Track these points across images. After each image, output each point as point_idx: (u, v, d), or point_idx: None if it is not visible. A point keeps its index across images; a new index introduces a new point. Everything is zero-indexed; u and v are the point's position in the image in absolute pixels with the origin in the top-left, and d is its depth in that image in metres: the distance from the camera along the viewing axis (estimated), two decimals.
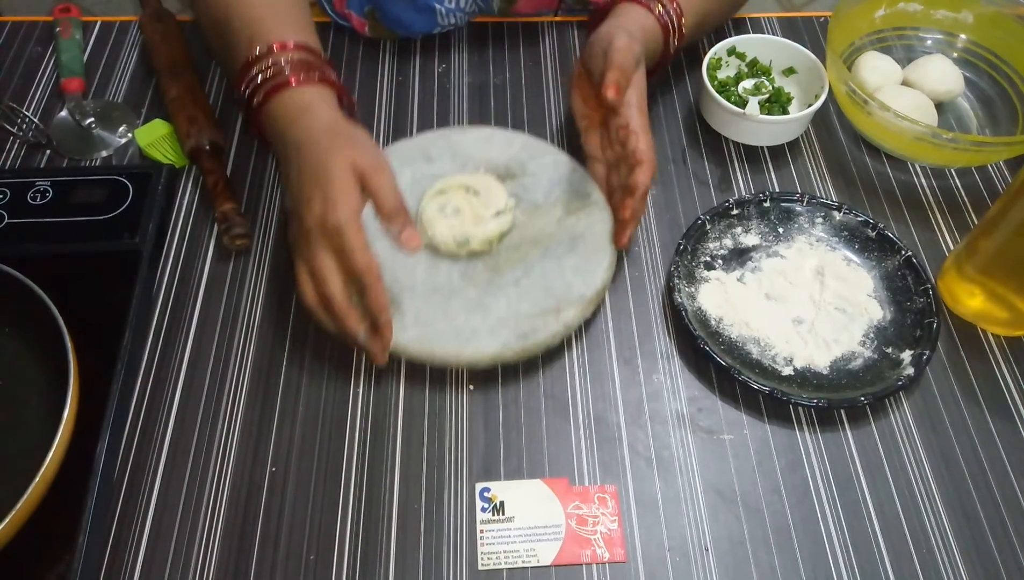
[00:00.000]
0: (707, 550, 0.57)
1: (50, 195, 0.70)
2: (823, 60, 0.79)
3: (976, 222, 0.73)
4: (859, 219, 0.71)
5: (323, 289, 0.57)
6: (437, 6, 0.82)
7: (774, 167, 0.78)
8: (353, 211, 0.57)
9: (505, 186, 0.70)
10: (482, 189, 0.68)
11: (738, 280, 0.69)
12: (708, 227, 0.71)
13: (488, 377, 0.64)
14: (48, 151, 0.77)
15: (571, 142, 0.77)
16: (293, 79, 0.63)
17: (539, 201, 0.70)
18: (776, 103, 0.78)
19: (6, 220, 0.68)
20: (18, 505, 0.50)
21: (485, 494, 0.58)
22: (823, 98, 0.76)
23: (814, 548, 0.57)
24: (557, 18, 0.91)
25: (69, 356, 0.56)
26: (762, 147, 0.79)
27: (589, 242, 0.67)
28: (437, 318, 0.63)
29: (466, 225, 0.66)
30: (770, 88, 0.79)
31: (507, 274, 0.66)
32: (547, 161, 0.72)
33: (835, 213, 0.71)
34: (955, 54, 0.85)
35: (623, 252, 0.71)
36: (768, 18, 0.91)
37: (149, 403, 0.62)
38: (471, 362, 0.62)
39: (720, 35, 0.85)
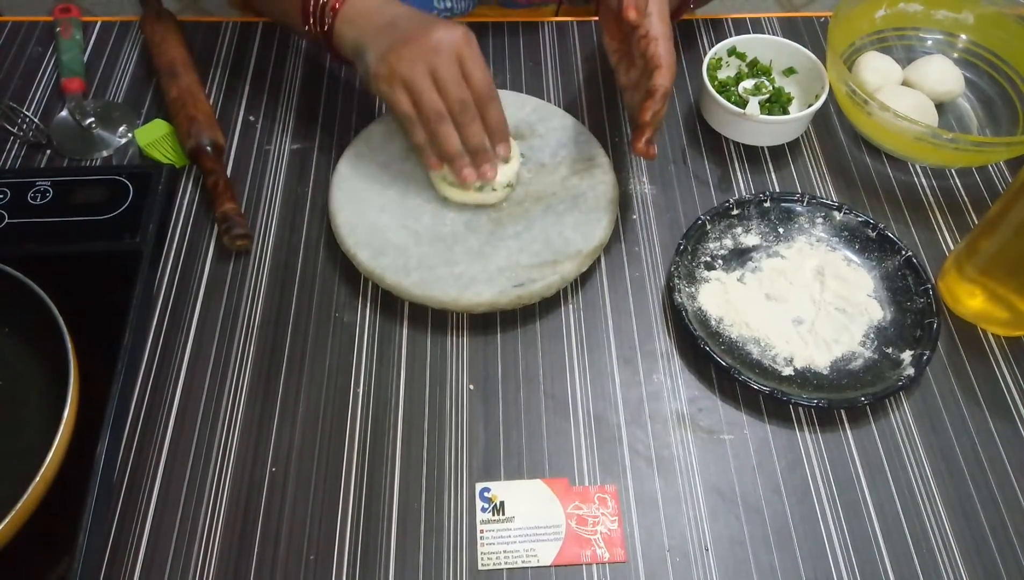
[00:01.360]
0: (707, 550, 0.57)
1: (50, 195, 0.70)
2: (823, 60, 0.79)
3: (976, 222, 0.73)
4: (859, 219, 0.71)
5: (427, 97, 0.62)
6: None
7: (774, 167, 0.78)
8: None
9: (514, 145, 0.72)
10: None
11: (738, 280, 0.69)
12: (708, 227, 0.71)
13: (489, 376, 0.64)
14: (48, 151, 0.77)
15: None
16: None
17: (545, 161, 0.73)
18: (776, 103, 0.78)
19: (6, 220, 0.68)
20: (18, 505, 0.50)
21: (485, 494, 0.58)
22: (823, 98, 0.76)
23: (814, 548, 0.57)
24: (558, 17, 0.91)
25: (69, 356, 0.56)
26: (762, 147, 0.79)
27: (590, 201, 0.70)
28: (439, 263, 0.65)
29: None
30: (770, 88, 0.79)
31: (509, 227, 0.69)
32: (555, 124, 0.76)
33: (835, 213, 0.71)
34: (955, 54, 0.85)
35: (620, 233, 0.71)
36: (768, 18, 0.91)
37: (149, 403, 0.62)
38: (468, 306, 0.64)
39: (720, 35, 0.85)
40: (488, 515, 0.57)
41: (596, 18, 0.90)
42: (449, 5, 0.85)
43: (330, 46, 0.70)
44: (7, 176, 0.73)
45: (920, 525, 0.58)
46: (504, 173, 0.69)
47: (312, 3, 0.69)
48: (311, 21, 0.69)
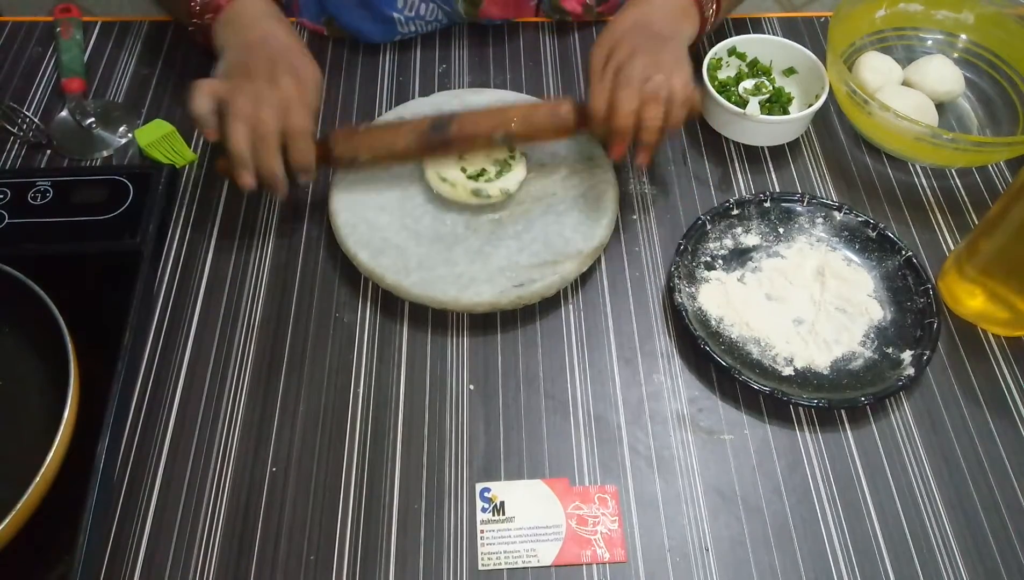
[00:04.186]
0: (707, 550, 0.57)
1: (50, 195, 0.70)
2: (823, 60, 0.79)
3: (976, 222, 0.73)
4: (859, 219, 0.71)
5: (262, 129, 0.62)
6: (396, 15, 0.82)
7: (774, 167, 0.78)
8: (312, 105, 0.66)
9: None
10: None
11: (738, 280, 0.69)
12: (708, 227, 0.71)
13: (489, 376, 0.64)
14: (48, 151, 0.77)
15: None
16: None
17: (545, 160, 0.73)
18: (776, 103, 0.78)
19: (6, 220, 0.68)
20: (18, 505, 0.50)
21: (485, 494, 0.58)
22: (823, 98, 0.76)
23: (814, 548, 0.57)
24: (538, 18, 0.90)
25: (69, 356, 0.56)
26: (762, 147, 0.79)
27: (590, 201, 0.70)
28: (439, 264, 0.66)
29: (482, 180, 0.68)
30: (770, 88, 0.79)
31: (509, 227, 0.69)
32: None
33: (835, 213, 0.71)
34: (956, 54, 0.85)
35: (620, 233, 0.72)
36: (768, 18, 0.91)
37: (149, 403, 0.62)
38: (469, 306, 0.64)
39: (720, 35, 0.85)
40: (488, 515, 0.57)
41: (603, 20, 0.90)
42: (414, 29, 0.85)
43: (205, 38, 0.73)
44: (7, 176, 0.73)
45: (920, 525, 0.58)
46: (505, 181, 0.69)
47: (195, 2, 0.71)
48: (196, 12, 0.71)
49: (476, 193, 0.68)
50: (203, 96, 0.64)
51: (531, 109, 0.67)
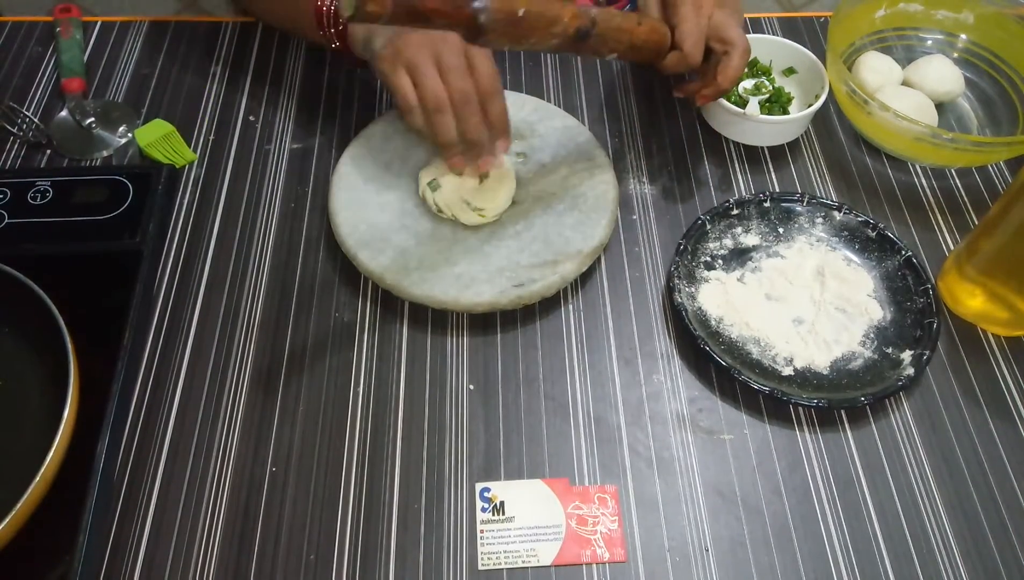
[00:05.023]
0: (707, 550, 0.57)
1: (50, 195, 0.70)
2: (823, 60, 0.79)
3: (976, 222, 0.73)
4: (859, 219, 0.71)
5: (430, 83, 0.62)
6: None
7: (774, 167, 0.78)
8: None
9: (512, 146, 0.73)
10: None
11: (738, 280, 0.69)
12: (708, 227, 0.71)
13: (488, 376, 0.64)
14: (48, 151, 0.77)
15: None
16: None
17: (546, 161, 0.73)
18: (776, 103, 0.78)
19: (6, 220, 0.68)
20: (18, 505, 0.50)
21: (485, 494, 0.58)
22: (823, 98, 0.76)
23: (814, 548, 0.57)
24: None
25: (69, 356, 0.56)
26: (762, 147, 0.79)
27: (590, 201, 0.70)
28: (439, 264, 0.65)
29: (477, 198, 0.68)
30: (770, 88, 0.79)
31: (509, 227, 0.69)
32: (555, 124, 0.76)
33: (835, 213, 0.71)
34: (955, 54, 0.85)
35: (620, 233, 0.72)
36: (768, 18, 0.91)
37: (149, 403, 0.62)
38: (468, 306, 0.64)
39: None
40: (488, 515, 0.57)
41: None
42: None
43: (343, 47, 0.70)
44: (7, 176, 0.73)
45: (920, 525, 0.58)
46: (496, 205, 0.68)
47: (324, 7, 0.69)
48: (325, 23, 0.69)
49: (470, 205, 0.68)
50: (399, 75, 0.63)
51: (648, 31, 0.65)
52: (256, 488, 0.58)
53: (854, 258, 0.70)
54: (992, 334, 0.68)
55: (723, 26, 0.67)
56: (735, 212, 0.72)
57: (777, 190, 0.76)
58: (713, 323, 0.66)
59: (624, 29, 0.63)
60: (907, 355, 0.64)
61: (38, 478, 0.51)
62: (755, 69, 0.81)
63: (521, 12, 0.57)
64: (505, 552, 0.56)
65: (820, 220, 0.72)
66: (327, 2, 0.69)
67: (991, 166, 0.79)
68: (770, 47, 0.81)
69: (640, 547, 0.56)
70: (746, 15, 0.90)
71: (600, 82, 0.85)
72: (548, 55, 0.87)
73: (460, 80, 0.63)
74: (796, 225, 0.72)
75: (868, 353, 0.65)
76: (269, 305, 0.67)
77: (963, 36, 0.85)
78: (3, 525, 0.50)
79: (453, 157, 0.66)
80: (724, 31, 0.67)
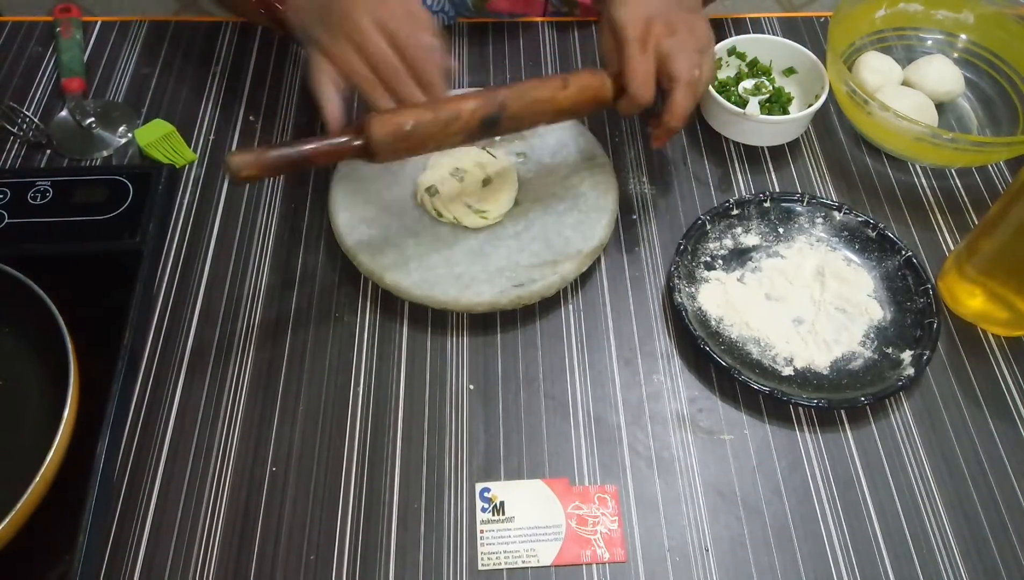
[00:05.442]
0: (707, 550, 0.57)
1: (50, 195, 0.70)
2: (823, 60, 0.79)
3: (976, 222, 0.73)
4: (859, 219, 0.71)
5: (381, 53, 0.59)
6: None
7: (774, 167, 0.78)
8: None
9: (512, 146, 0.73)
10: (473, 165, 0.71)
11: (738, 280, 0.69)
12: (708, 227, 0.71)
13: (488, 376, 0.64)
14: (48, 151, 0.77)
15: None
16: None
17: (546, 160, 0.73)
18: (776, 103, 0.78)
19: (6, 220, 0.68)
20: (18, 505, 0.50)
21: (485, 494, 0.58)
22: (823, 98, 0.76)
23: (814, 548, 0.57)
24: (558, 18, 0.91)
25: (69, 356, 0.56)
26: (762, 147, 0.79)
27: (590, 201, 0.70)
28: (439, 264, 0.65)
29: (481, 202, 0.68)
30: (770, 88, 0.79)
31: (509, 227, 0.69)
32: (556, 124, 0.74)
33: (835, 213, 0.71)
34: (955, 54, 0.85)
35: (620, 233, 0.72)
36: (768, 18, 0.91)
37: (149, 403, 0.62)
38: (468, 306, 0.64)
39: (720, 35, 0.85)
40: (488, 515, 0.57)
41: (595, 18, 0.90)
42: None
43: (276, 18, 0.68)
44: (7, 176, 0.73)
45: (920, 525, 0.58)
46: (498, 206, 0.69)
47: None
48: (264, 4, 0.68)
49: (471, 208, 0.68)
50: (328, 94, 0.60)
51: (577, 91, 0.63)
52: (256, 488, 0.58)
53: (854, 258, 0.70)
54: (992, 334, 0.68)
55: (668, 58, 0.62)
56: (735, 212, 0.72)
57: (777, 190, 0.76)
58: (713, 323, 0.66)
59: (543, 99, 0.62)
60: (907, 355, 0.64)
61: (38, 478, 0.51)
62: (755, 69, 0.81)
63: (409, 126, 0.58)
64: (505, 552, 0.56)
65: (820, 220, 0.72)
66: None
67: (991, 166, 0.79)
68: (770, 47, 0.81)
69: (640, 547, 0.56)
70: (746, 15, 0.91)
71: None
72: (548, 55, 0.87)
73: (384, 55, 0.59)
74: (796, 225, 0.72)
75: (868, 353, 0.65)
76: (269, 305, 0.67)
77: (963, 36, 0.85)
78: (3, 525, 0.50)
79: (377, 101, 0.61)
80: (668, 64, 0.62)
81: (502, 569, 0.55)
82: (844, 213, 0.71)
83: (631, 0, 0.64)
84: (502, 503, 0.58)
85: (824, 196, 0.73)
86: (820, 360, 0.64)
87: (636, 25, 0.63)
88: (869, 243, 0.70)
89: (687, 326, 0.64)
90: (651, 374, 0.65)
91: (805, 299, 0.68)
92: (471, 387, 0.64)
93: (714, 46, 0.67)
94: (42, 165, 0.76)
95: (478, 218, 0.68)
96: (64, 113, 0.79)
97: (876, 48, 0.85)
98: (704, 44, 0.65)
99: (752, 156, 0.79)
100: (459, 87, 0.83)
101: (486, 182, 0.69)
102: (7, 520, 0.50)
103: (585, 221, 0.68)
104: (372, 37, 0.59)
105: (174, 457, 0.60)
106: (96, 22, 0.88)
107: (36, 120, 0.79)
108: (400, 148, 0.58)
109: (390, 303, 0.68)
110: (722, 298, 0.67)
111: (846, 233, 0.71)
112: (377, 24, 0.60)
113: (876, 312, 0.67)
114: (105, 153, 0.77)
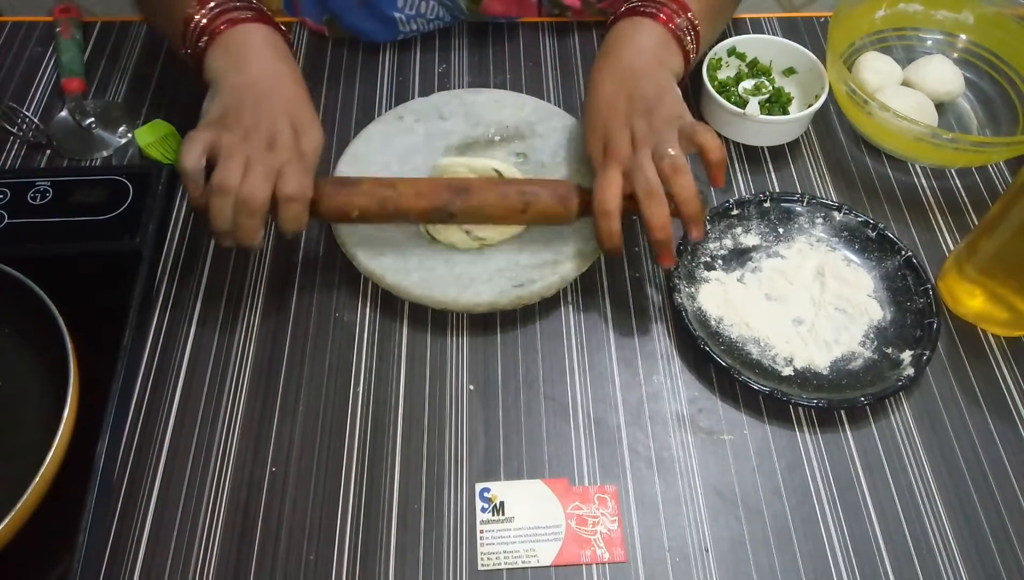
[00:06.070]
0: (707, 551, 0.57)
1: (50, 195, 0.70)
2: (823, 60, 0.79)
3: (976, 222, 0.73)
4: (859, 219, 0.71)
5: (251, 205, 0.58)
6: (397, 15, 0.82)
7: (774, 167, 0.78)
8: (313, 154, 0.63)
9: (512, 146, 0.73)
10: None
11: (738, 280, 0.69)
12: (708, 227, 0.71)
13: (488, 376, 0.64)
14: (48, 151, 0.77)
15: None
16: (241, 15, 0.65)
17: (546, 161, 0.73)
18: (776, 103, 0.78)
19: (6, 220, 0.68)
20: (18, 505, 0.50)
21: (485, 494, 0.58)
22: (823, 98, 0.76)
23: (814, 549, 0.57)
24: (558, 18, 0.91)
25: (69, 356, 0.56)
26: (762, 147, 0.79)
27: None
28: (439, 264, 0.65)
29: (479, 229, 0.66)
30: (770, 88, 0.79)
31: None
32: (555, 124, 0.76)
33: (835, 213, 0.71)
34: (955, 54, 0.85)
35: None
36: (768, 18, 0.91)
37: (149, 403, 0.62)
38: (468, 306, 0.64)
39: (720, 35, 0.85)
40: (488, 515, 0.57)
41: (600, 18, 0.90)
42: (415, 28, 0.84)
43: (198, 69, 0.66)
44: (7, 176, 0.73)
45: (920, 525, 0.58)
46: (499, 231, 0.67)
47: (193, 24, 0.65)
48: (188, 40, 0.65)
49: (468, 233, 0.67)
50: (195, 151, 0.58)
51: (536, 216, 0.64)
52: (256, 488, 0.58)
53: (854, 258, 0.70)
54: (992, 334, 0.68)
55: (635, 169, 0.60)
56: (735, 212, 0.72)
57: (777, 190, 0.76)
58: (713, 323, 0.66)
59: (496, 217, 0.63)
60: (907, 355, 0.64)
61: (38, 478, 0.51)
62: (755, 69, 0.81)
63: (355, 214, 0.62)
64: (505, 552, 0.56)
65: (820, 220, 0.72)
66: (196, 19, 0.65)
67: (991, 166, 0.79)
68: (770, 47, 0.81)
69: (640, 547, 0.56)
70: (746, 15, 0.91)
71: None
72: (548, 55, 0.87)
73: (253, 191, 0.58)
74: (796, 225, 0.72)
75: (868, 353, 0.65)
76: (269, 305, 0.67)
77: (963, 36, 0.85)
78: (3, 525, 0.50)
79: (220, 241, 0.61)
80: (634, 174, 0.60)
81: (502, 569, 0.56)
82: (844, 213, 0.71)
83: (588, 105, 0.67)
84: (502, 503, 0.58)
85: (824, 196, 0.73)
86: (820, 360, 0.64)
87: (593, 137, 0.65)
88: (869, 243, 0.70)
89: (687, 326, 0.64)
90: (651, 374, 0.65)
91: (805, 299, 0.68)
92: (471, 387, 0.64)
93: (685, 119, 0.62)
94: (42, 165, 0.76)
95: (474, 242, 0.67)
96: (64, 113, 0.79)
97: (876, 48, 0.85)
98: (666, 136, 0.60)
99: (752, 156, 0.79)
100: (459, 87, 0.83)
101: None
102: (7, 520, 0.50)
103: (585, 221, 0.68)
104: (262, 165, 0.58)
105: (174, 457, 0.60)
106: (96, 22, 0.88)
107: (36, 120, 0.79)
108: (344, 221, 0.64)
109: (390, 303, 0.68)
110: (722, 298, 0.67)
111: (846, 233, 0.71)
112: (277, 161, 0.59)
113: (876, 312, 0.67)
114: (105, 153, 0.77)
